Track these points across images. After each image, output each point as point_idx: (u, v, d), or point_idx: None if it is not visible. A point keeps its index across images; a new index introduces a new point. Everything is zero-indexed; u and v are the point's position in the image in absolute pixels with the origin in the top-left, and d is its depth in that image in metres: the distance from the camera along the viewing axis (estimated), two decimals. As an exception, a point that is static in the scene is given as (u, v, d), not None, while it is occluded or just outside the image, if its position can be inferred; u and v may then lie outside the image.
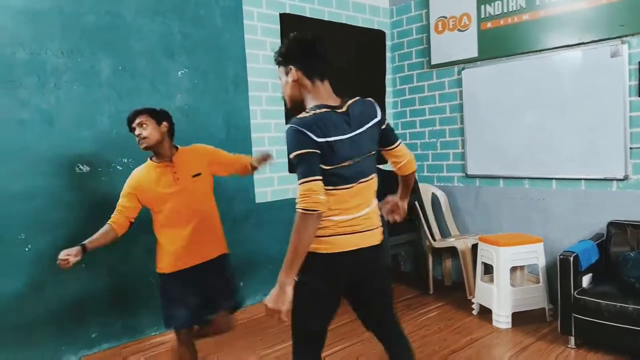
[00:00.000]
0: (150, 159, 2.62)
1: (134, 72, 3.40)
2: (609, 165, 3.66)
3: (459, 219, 4.66)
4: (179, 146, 2.67)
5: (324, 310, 1.98)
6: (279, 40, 4.19)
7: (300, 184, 1.75)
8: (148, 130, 2.50)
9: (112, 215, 2.59)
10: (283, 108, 4.24)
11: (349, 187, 1.86)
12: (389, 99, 5.10)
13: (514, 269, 3.75)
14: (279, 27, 4.20)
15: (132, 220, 2.58)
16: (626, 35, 3.54)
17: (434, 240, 4.47)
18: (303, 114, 1.82)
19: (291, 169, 4.27)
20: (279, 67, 1.97)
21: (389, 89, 5.10)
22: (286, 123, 4.29)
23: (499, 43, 4.22)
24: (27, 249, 2.99)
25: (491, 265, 3.76)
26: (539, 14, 3.95)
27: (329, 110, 1.84)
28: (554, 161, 3.95)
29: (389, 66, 5.10)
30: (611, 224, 3.56)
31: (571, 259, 3.17)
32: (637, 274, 3.04)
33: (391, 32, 5.10)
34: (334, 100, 1.90)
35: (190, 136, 3.65)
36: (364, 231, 1.92)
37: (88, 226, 3.18)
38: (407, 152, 2.08)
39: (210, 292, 2.64)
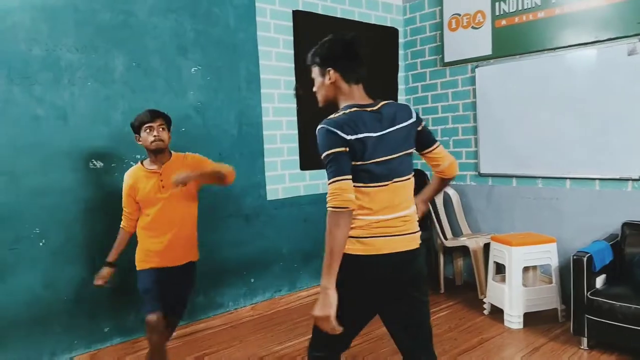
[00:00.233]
0: (141, 163, 2.72)
1: (147, 69, 3.42)
2: (624, 164, 3.61)
3: (471, 217, 4.63)
4: (172, 152, 2.75)
5: (349, 317, 1.85)
6: (291, 38, 4.19)
7: (330, 183, 1.76)
8: (165, 134, 2.65)
9: (122, 221, 2.78)
10: (295, 106, 4.25)
11: (383, 186, 1.83)
12: (401, 97, 5.08)
13: (526, 269, 3.72)
14: (291, 24, 4.20)
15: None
16: (643, 33, 3.49)
17: (446, 239, 4.45)
18: (334, 115, 1.84)
19: (304, 167, 4.29)
20: (313, 67, 1.96)
21: (401, 87, 5.08)
22: (298, 123, 4.33)
23: (513, 41, 4.18)
24: (41, 244, 3.02)
25: (503, 265, 3.73)
26: (555, 11, 3.90)
27: (359, 109, 1.84)
28: (568, 160, 3.91)
29: (401, 64, 5.08)
30: (626, 225, 3.51)
31: (585, 259, 3.14)
32: (652, 275, 3.01)
33: (404, 29, 5.08)
34: (366, 101, 1.90)
35: (202, 133, 3.69)
36: (403, 234, 1.86)
37: (101, 221, 3.23)
38: (447, 155, 2.02)
39: (173, 293, 2.76)
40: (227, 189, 3.82)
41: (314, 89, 1.99)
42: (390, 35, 4.96)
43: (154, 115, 2.64)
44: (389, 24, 4.95)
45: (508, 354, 3.26)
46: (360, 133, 1.78)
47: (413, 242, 1.90)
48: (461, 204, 4.65)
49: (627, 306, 2.96)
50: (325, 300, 1.73)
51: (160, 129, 2.63)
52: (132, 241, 2.80)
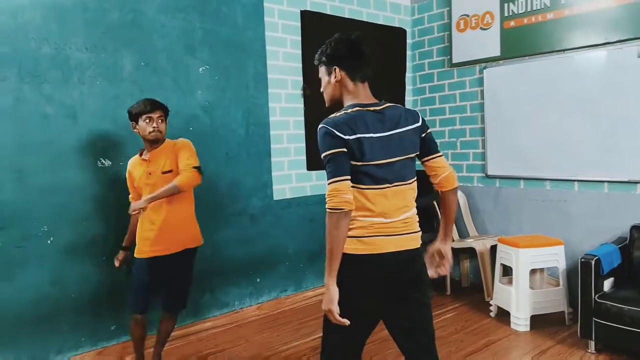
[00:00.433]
0: (140, 155, 2.82)
1: (155, 68, 3.43)
2: (633, 167, 3.59)
3: (478, 219, 4.61)
4: (166, 139, 2.82)
5: (355, 319, 1.85)
6: (299, 38, 4.19)
7: (328, 183, 1.78)
8: (163, 126, 2.75)
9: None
10: (302, 105, 4.25)
11: (384, 188, 1.83)
12: (408, 98, 5.07)
13: (533, 272, 3.70)
14: (299, 24, 4.20)
15: None
16: (654, 35, 3.46)
17: (452, 240, 4.43)
18: (336, 114, 1.85)
19: (311, 167, 4.29)
20: (320, 66, 1.97)
21: (408, 88, 5.07)
22: (305, 123, 4.33)
23: (522, 42, 4.16)
24: (49, 242, 3.04)
25: (510, 267, 3.71)
26: (564, 12, 3.88)
27: (362, 109, 1.84)
28: (576, 163, 3.89)
29: (409, 64, 5.07)
30: (634, 228, 3.49)
31: (593, 262, 3.12)
32: (660, 279, 2.98)
33: (412, 30, 5.07)
34: (371, 101, 1.90)
35: (210, 132, 3.70)
36: (403, 234, 1.87)
37: (109, 219, 3.25)
38: (447, 166, 1.98)
39: (169, 282, 2.84)
40: (233, 188, 3.84)
41: (321, 89, 2.00)
42: (398, 35, 4.95)
43: (154, 106, 2.71)
44: (397, 25, 4.95)
45: (514, 357, 3.25)
46: (360, 133, 1.78)
47: (414, 241, 1.91)
48: (468, 206, 4.64)
49: (635, 310, 2.93)
50: (327, 296, 1.79)
51: (160, 121, 2.72)
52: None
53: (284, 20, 4.12)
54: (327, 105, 2.01)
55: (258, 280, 4.05)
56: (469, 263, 4.68)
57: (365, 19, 4.65)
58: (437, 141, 2.00)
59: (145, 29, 3.39)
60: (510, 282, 3.76)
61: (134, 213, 2.67)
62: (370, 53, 1.93)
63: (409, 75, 5.07)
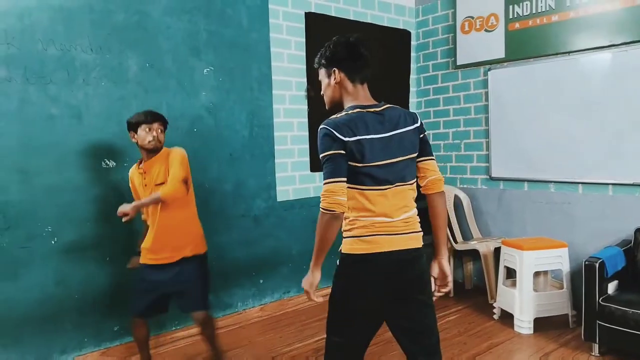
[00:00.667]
0: (139, 164, 2.83)
1: (160, 69, 3.45)
2: (637, 169, 3.57)
3: (482, 221, 4.61)
4: (164, 147, 2.82)
5: (354, 318, 1.90)
6: (304, 40, 4.20)
7: (324, 183, 1.80)
8: (162, 136, 2.77)
9: None
10: (306, 107, 4.25)
11: (385, 189, 1.85)
12: (413, 99, 5.07)
13: (537, 274, 3.69)
14: (304, 26, 4.21)
15: None
16: (659, 38, 3.45)
17: (456, 242, 4.43)
18: (336, 115, 1.86)
19: (315, 169, 4.30)
20: (320, 69, 1.98)
21: (413, 89, 5.07)
22: (309, 124, 4.34)
23: (526, 44, 4.15)
24: (53, 242, 3.05)
25: (514, 270, 3.71)
26: (569, 15, 3.87)
27: (362, 110, 1.86)
28: (581, 165, 3.88)
29: (413, 66, 5.07)
30: (639, 230, 3.48)
31: (597, 265, 3.11)
32: (665, 282, 2.97)
33: (416, 31, 5.07)
34: (370, 102, 1.92)
35: (214, 134, 3.71)
36: (404, 233, 1.89)
37: (113, 220, 3.25)
38: (436, 169, 1.98)
39: (174, 290, 2.81)
40: (237, 189, 3.84)
41: (321, 92, 2.02)
42: (402, 37, 4.95)
43: (154, 117, 2.73)
44: (401, 27, 4.95)
45: (518, 359, 3.24)
46: (360, 135, 1.80)
47: (414, 241, 1.92)
48: (472, 208, 4.63)
49: (639, 313, 2.92)
50: (309, 278, 1.92)
51: (159, 131, 2.74)
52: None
53: (289, 22, 4.13)
54: (327, 107, 2.02)
55: (261, 281, 4.06)
56: (473, 265, 4.68)
57: (369, 21, 4.66)
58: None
59: (150, 30, 3.40)
60: (513, 284, 3.76)
61: (120, 216, 2.64)
62: (370, 55, 1.93)
63: (413, 76, 5.07)
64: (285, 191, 4.17)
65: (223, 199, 3.74)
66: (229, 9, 3.77)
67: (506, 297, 3.77)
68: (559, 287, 3.77)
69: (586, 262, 3.16)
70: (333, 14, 4.39)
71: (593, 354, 3.17)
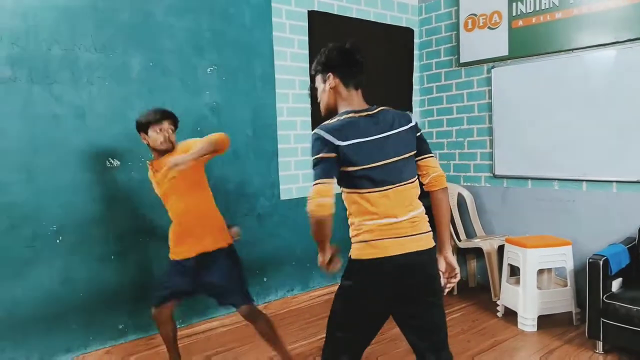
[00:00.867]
0: (151, 163, 2.75)
1: (164, 68, 3.46)
2: (642, 167, 3.57)
3: (485, 219, 4.60)
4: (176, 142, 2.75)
5: (359, 319, 1.91)
6: (306, 38, 4.20)
7: (313, 185, 1.82)
8: (174, 136, 2.69)
9: None
10: (309, 106, 4.25)
11: (385, 190, 1.85)
12: (416, 97, 5.06)
13: (541, 272, 3.69)
14: (307, 24, 4.21)
15: None
16: (663, 34, 3.44)
17: (459, 240, 4.43)
18: (329, 121, 1.88)
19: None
20: (316, 76, 2.00)
21: (416, 87, 5.07)
22: (312, 123, 4.35)
23: (530, 42, 4.14)
24: (58, 241, 3.07)
25: (517, 267, 3.71)
26: (572, 12, 3.86)
27: (356, 115, 1.87)
28: (585, 162, 3.87)
29: (416, 64, 5.06)
30: (643, 228, 3.47)
31: (601, 262, 3.11)
32: (669, 280, 2.96)
33: (420, 29, 5.06)
34: (364, 107, 1.93)
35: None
36: (413, 235, 1.87)
37: (118, 219, 3.28)
38: (438, 166, 1.99)
39: (203, 284, 2.73)
40: (241, 188, 3.85)
41: (318, 100, 2.03)
42: (405, 35, 4.94)
43: (164, 115, 2.64)
44: (404, 24, 4.94)
45: (521, 357, 3.24)
46: (354, 139, 1.82)
47: (424, 242, 1.90)
48: (475, 206, 4.63)
49: (643, 311, 2.92)
50: (319, 258, 1.96)
51: (170, 130, 2.65)
52: (163, 242, 2.84)
53: (292, 21, 4.13)
54: (322, 114, 2.03)
55: (265, 279, 4.07)
56: (476, 263, 4.68)
57: (372, 19, 4.65)
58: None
59: (153, 30, 3.41)
60: (517, 282, 3.76)
61: (173, 168, 2.37)
62: (365, 61, 1.96)
63: (416, 74, 5.07)
64: (289, 189, 4.17)
65: (227, 197, 3.75)
66: (232, 8, 3.77)
67: (510, 295, 3.77)
68: (563, 284, 3.77)
69: (590, 260, 3.16)
70: (336, 12, 4.39)
71: (597, 351, 3.17)
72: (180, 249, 2.70)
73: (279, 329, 3.69)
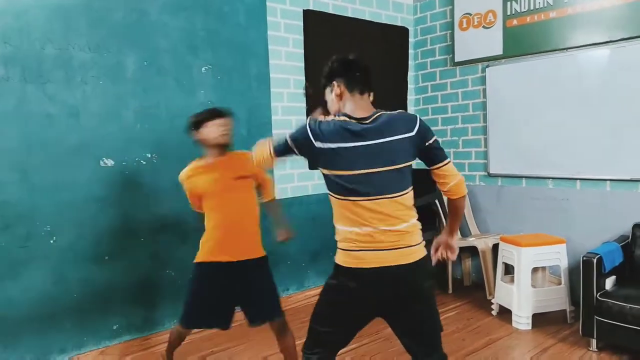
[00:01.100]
0: (197, 164, 2.67)
1: (158, 67, 3.45)
2: (635, 165, 3.58)
3: (480, 218, 4.62)
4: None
5: (338, 319, 1.95)
6: (302, 37, 4.19)
7: (265, 147, 1.98)
8: (231, 132, 2.65)
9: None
10: (304, 105, 4.25)
11: (367, 200, 1.82)
12: (410, 96, 5.07)
13: (535, 270, 3.70)
14: (302, 23, 4.20)
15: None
16: (656, 34, 3.46)
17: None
18: (326, 118, 1.90)
19: (313, 166, 4.29)
20: (325, 90, 2.02)
21: (411, 86, 5.07)
22: (306, 118, 4.35)
23: (524, 41, 4.16)
24: (52, 241, 3.05)
25: (512, 266, 3.72)
26: (567, 11, 3.88)
27: (348, 119, 1.86)
28: (579, 161, 3.88)
29: (411, 63, 5.07)
30: (637, 226, 3.49)
31: (594, 260, 3.12)
32: (662, 278, 2.98)
33: (414, 28, 5.07)
34: (364, 112, 1.89)
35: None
36: (395, 248, 1.84)
37: (111, 219, 3.26)
38: (455, 173, 1.93)
39: (242, 297, 2.64)
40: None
41: (329, 108, 2.03)
42: (400, 34, 4.95)
43: (226, 112, 2.62)
44: (399, 23, 4.94)
45: (516, 355, 3.25)
46: (335, 142, 1.82)
47: (408, 255, 1.85)
48: (470, 204, 4.64)
49: (637, 308, 2.94)
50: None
51: (229, 127, 2.62)
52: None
53: (287, 20, 4.13)
54: None
55: (260, 279, 4.06)
56: (471, 262, 4.69)
57: (367, 18, 4.65)
58: (439, 140, 1.98)
59: (148, 29, 3.40)
60: (512, 280, 3.77)
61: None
62: (369, 69, 1.98)
63: (411, 73, 5.07)
64: (284, 189, 4.17)
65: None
66: (226, 7, 3.76)
67: (504, 293, 3.78)
68: (557, 282, 3.78)
69: (584, 258, 3.17)
70: (331, 11, 4.38)
71: (591, 349, 3.19)
72: (224, 252, 2.58)
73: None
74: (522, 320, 3.59)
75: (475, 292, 4.42)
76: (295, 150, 1.91)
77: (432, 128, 1.98)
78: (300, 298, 4.25)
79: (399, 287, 1.87)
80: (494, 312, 3.89)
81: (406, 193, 1.88)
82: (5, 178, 2.91)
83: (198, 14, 3.62)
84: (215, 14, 3.71)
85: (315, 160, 1.88)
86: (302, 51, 4.21)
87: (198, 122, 2.60)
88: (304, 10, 4.21)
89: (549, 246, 3.67)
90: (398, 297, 1.88)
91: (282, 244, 2.86)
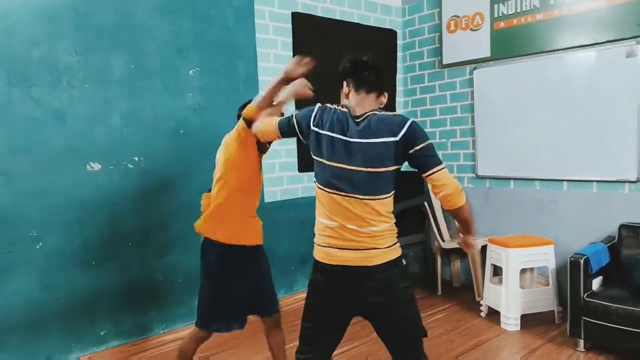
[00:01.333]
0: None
1: (145, 70, 3.42)
2: (621, 167, 3.62)
3: (469, 219, 4.63)
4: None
5: (315, 313, 1.99)
6: (290, 39, 4.19)
7: (272, 122, 2.10)
8: None
9: None
10: (294, 108, 4.24)
11: (337, 194, 1.86)
12: (399, 99, 5.08)
13: (523, 271, 3.72)
14: (290, 26, 4.20)
15: None
16: (641, 36, 3.50)
17: (443, 241, 4.46)
18: (332, 105, 1.99)
19: (302, 169, 4.30)
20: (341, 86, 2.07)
21: (399, 89, 5.09)
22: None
23: (511, 43, 4.19)
24: (38, 246, 3.02)
25: (500, 267, 3.74)
26: (553, 13, 3.91)
27: (346, 111, 1.92)
28: (566, 162, 3.92)
29: (400, 65, 5.08)
30: (622, 227, 3.52)
31: (581, 261, 3.15)
32: (648, 278, 3.01)
33: (403, 31, 5.08)
34: (362, 110, 1.92)
35: (201, 135, 3.69)
36: (358, 249, 1.84)
37: (98, 224, 3.23)
38: (447, 182, 1.82)
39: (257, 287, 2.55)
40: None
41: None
42: (388, 36, 4.96)
43: None
44: (387, 26, 4.96)
45: (505, 356, 3.27)
46: (325, 130, 1.90)
47: (371, 258, 1.84)
48: (459, 206, 4.65)
49: (623, 308, 2.96)
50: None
51: None
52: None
53: (275, 22, 4.12)
54: None
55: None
56: (460, 263, 4.71)
57: (356, 20, 4.66)
58: (433, 146, 1.92)
59: (134, 31, 3.37)
60: (500, 281, 3.79)
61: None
62: (380, 69, 2.01)
63: (399, 76, 5.09)
64: (274, 192, 4.16)
65: (210, 200, 3.72)
66: (213, 10, 3.75)
67: (493, 295, 3.80)
68: (545, 283, 3.81)
69: (571, 259, 3.20)
70: (320, 14, 4.39)
71: (578, 349, 3.21)
72: (254, 233, 2.47)
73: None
74: (510, 321, 3.61)
75: (464, 293, 4.43)
76: (296, 127, 1.99)
77: (427, 142, 1.86)
78: (289, 302, 4.23)
79: (361, 288, 1.87)
80: (482, 314, 3.91)
81: (380, 198, 1.86)
82: (-11, 183, 2.87)
83: (185, 16, 3.60)
84: (202, 17, 3.69)
85: (308, 141, 1.97)
86: (291, 53, 4.20)
87: None
88: (292, 12, 4.20)
89: (536, 247, 3.70)
90: (362, 298, 1.88)
91: None
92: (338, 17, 4.52)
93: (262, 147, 2.48)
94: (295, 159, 4.29)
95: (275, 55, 4.12)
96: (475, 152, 4.51)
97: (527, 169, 4.16)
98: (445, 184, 1.82)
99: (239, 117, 2.55)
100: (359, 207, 1.84)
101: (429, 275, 4.64)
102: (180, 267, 3.57)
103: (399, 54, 5.07)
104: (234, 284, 2.45)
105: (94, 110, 3.21)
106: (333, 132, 1.88)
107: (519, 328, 3.59)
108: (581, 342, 3.20)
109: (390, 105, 4.96)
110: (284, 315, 3.97)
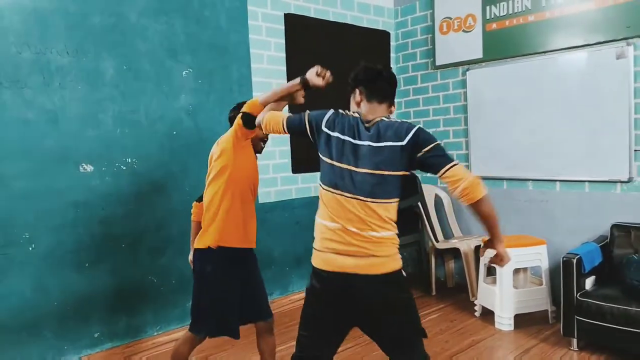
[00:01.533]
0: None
1: (138, 72, 3.41)
2: (613, 167, 3.65)
3: (462, 220, 4.65)
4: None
5: (311, 322, 1.97)
6: (283, 41, 4.19)
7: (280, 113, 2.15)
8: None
9: None
10: (287, 109, 4.23)
11: (339, 194, 1.87)
12: (393, 100, 5.09)
13: (517, 271, 3.74)
14: (283, 27, 4.20)
15: None
16: (632, 37, 3.53)
17: (437, 241, 4.47)
18: (345, 112, 2.00)
19: (296, 170, 4.30)
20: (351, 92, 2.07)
21: (393, 90, 5.09)
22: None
23: (504, 44, 4.21)
24: (31, 248, 3.00)
25: (494, 267, 3.75)
26: (545, 15, 3.94)
27: (357, 116, 1.95)
28: (558, 163, 3.94)
29: (393, 67, 5.09)
30: (615, 227, 3.55)
31: (574, 261, 3.17)
32: (640, 277, 3.03)
33: (395, 32, 5.10)
34: (372, 117, 1.94)
35: (194, 137, 3.68)
36: (357, 256, 1.83)
37: (91, 225, 3.21)
38: (463, 176, 1.77)
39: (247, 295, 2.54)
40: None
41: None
42: (381, 38, 4.97)
43: None
44: (380, 27, 4.97)
45: (499, 356, 3.28)
46: (336, 132, 1.91)
47: (371, 267, 1.82)
48: (452, 206, 4.67)
49: (616, 307, 2.98)
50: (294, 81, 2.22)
51: None
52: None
53: (268, 24, 4.12)
54: None
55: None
56: (454, 264, 4.72)
57: (349, 22, 4.67)
58: (442, 146, 1.90)
59: (127, 32, 3.36)
60: (494, 281, 3.80)
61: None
62: (393, 81, 2.02)
63: (392, 77, 5.09)
64: (267, 193, 4.15)
65: (204, 201, 3.71)
66: (207, 11, 3.74)
67: (487, 295, 3.81)
68: (538, 283, 3.83)
69: (564, 259, 3.22)
70: (312, 15, 4.39)
71: (572, 348, 3.23)
72: (246, 236, 2.45)
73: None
74: (504, 321, 3.62)
75: (458, 293, 4.44)
76: (307, 125, 1.99)
77: (434, 144, 1.85)
78: (284, 302, 4.23)
79: (359, 297, 1.85)
80: (477, 314, 3.92)
81: (384, 202, 1.85)
82: (-19, 185, 2.85)
83: (178, 17, 3.60)
84: (195, 18, 3.69)
85: (316, 141, 1.98)
86: (284, 55, 4.21)
87: None
88: (285, 14, 4.21)
89: (529, 247, 3.71)
90: (361, 307, 1.87)
91: None
92: (331, 19, 4.53)
93: (257, 146, 2.48)
94: (289, 160, 4.29)
95: (268, 57, 4.12)
96: (469, 152, 4.52)
97: (519, 170, 4.18)
98: (460, 178, 1.77)
99: (230, 119, 2.56)
100: (361, 210, 1.84)
101: (423, 276, 4.65)
102: (173, 268, 3.56)
103: (392, 56, 5.08)
104: (225, 288, 2.43)
105: (87, 111, 3.20)
106: (343, 134, 1.90)
107: (512, 328, 3.60)
108: (574, 341, 3.22)
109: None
110: (279, 317, 3.99)
